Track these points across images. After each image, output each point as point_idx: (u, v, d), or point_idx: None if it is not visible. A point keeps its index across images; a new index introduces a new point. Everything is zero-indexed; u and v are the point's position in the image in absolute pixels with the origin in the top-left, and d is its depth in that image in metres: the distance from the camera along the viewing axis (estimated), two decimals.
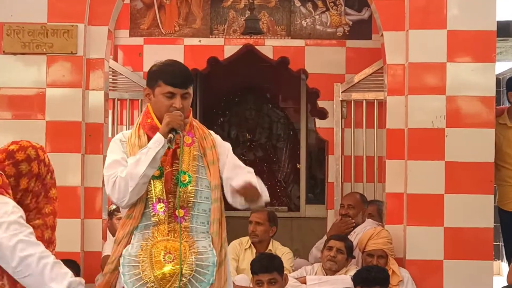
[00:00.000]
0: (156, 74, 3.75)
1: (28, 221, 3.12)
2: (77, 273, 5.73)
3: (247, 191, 3.52)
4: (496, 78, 6.24)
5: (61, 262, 3.00)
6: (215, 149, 3.75)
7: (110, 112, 7.11)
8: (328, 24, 7.94)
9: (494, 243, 6.20)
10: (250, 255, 6.00)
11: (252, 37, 7.76)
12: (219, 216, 3.68)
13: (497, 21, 5.97)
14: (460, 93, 5.91)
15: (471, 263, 5.85)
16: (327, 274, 5.78)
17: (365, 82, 7.48)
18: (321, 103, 7.78)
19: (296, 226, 8.81)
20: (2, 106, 5.99)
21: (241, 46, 7.95)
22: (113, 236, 6.38)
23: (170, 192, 3.61)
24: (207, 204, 3.65)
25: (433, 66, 5.92)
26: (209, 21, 7.96)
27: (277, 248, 6.17)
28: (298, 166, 9.32)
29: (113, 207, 6.78)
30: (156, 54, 7.85)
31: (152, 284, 3.51)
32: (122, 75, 7.72)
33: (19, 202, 3.12)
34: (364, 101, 7.53)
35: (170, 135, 3.57)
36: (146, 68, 7.79)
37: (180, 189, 3.59)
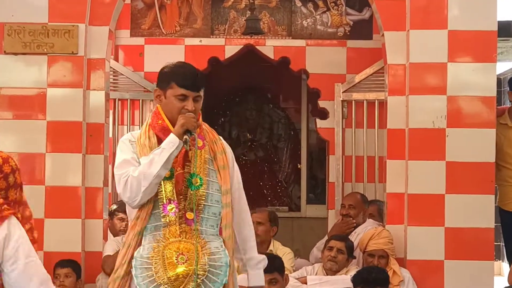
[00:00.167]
0: (168, 75, 3.71)
1: None
2: (78, 273, 5.73)
3: None
4: (497, 78, 6.23)
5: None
6: (225, 155, 3.76)
7: (111, 112, 7.12)
8: (329, 24, 7.94)
9: (495, 243, 6.19)
10: None
11: (252, 37, 7.76)
12: (231, 220, 3.71)
13: (498, 21, 5.97)
14: (461, 93, 5.91)
15: (472, 263, 5.85)
16: (327, 274, 5.78)
17: (366, 82, 7.49)
18: (322, 103, 7.78)
19: (297, 226, 8.81)
20: (3, 106, 5.99)
21: (242, 46, 7.95)
22: (114, 236, 6.39)
23: (180, 194, 3.60)
24: (217, 208, 3.66)
25: (434, 66, 5.92)
26: (210, 21, 7.96)
27: (277, 248, 6.17)
28: (299, 166, 9.32)
29: (114, 207, 6.78)
30: (157, 54, 7.86)
31: (166, 285, 3.49)
32: (123, 75, 7.72)
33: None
34: (365, 101, 7.53)
35: (186, 137, 3.57)
36: (147, 68, 7.83)
37: (191, 192, 3.59)
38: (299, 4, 7.95)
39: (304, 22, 7.95)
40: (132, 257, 3.57)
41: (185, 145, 3.58)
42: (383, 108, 6.49)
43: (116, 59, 7.81)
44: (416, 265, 5.88)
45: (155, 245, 3.54)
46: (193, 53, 7.89)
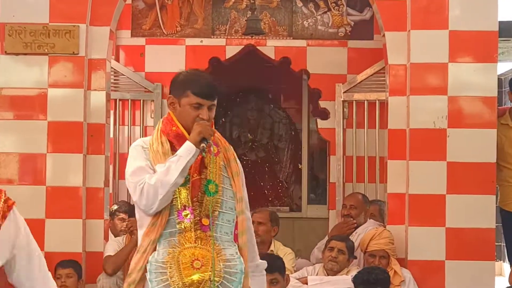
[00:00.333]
0: (183, 84, 3.67)
1: None
2: (79, 273, 5.73)
3: None
4: (498, 79, 6.23)
5: None
6: (237, 163, 3.76)
7: (112, 112, 7.12)
8: (329, 25, 7.94)
9: (496, 243, 6.19)
10: None
11: (253, 38, 7.76)
12: (246, 227, 3.71)
13: (499, 22, 5.97)
14: (461, 94, 5.91)
15: (473, 264, 5.85)
16: (328, 275, 5.78)
17: (367, 82, 7.49)
18: (322, 104, 7.78)
19: (298, 226, 8.81)
20: (4, 107, 6.00)
21: (242, 46, 7.96)
22: (115, 236, 6.40)
23: (195, 200, 3.59)
24: (231, 215, 3.65)
25: (435, 66, 5.92)
26: (210, 21, 7.96)
27: (278, 248, 6.17)
28: (299, 167, 9.32)
29: (115, 207, 6.78)
30: (157, 54, 7.87)
31: None
32: (124, 75, 7.73)
33: None
34: (365, 101, 7.53)
35: (203, 145, 3.55)
36: (148, 68, 7.83)
37: (208, 198, 3.58)
38: (300, 4, 7.95)
39: (305, 22, 7.95)
40: (147, 262, 3.55)
41: (203, 153, 3.57)
42: (384, 108, 6.49)
43: (117, 59, 7.81)
44: (417, 266, 5.88)
45: (170, 250, 3.52)
46: (194, 53, 7.89)
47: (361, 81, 7.51)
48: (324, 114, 7.79)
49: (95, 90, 6.07)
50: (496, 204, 6.07)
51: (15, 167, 5.96)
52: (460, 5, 5.91)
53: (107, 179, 6.17)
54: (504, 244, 6.78)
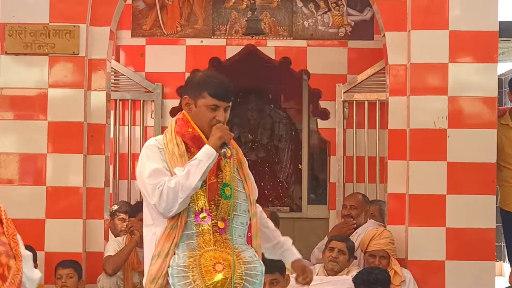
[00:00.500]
0: (200, 85, 3.67)
1: None
2: (79, 273, 5.73)
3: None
4: (498, 79, 6.23)
5: None
6: (245, 164, 3.77)
7: (112, 112, 7.12)
8: (330, 25, 7.94)
9: (496, 243, 6.19)
10: None
11: (254, 38, 7.76)
12: (259, 230, 3.74)
13: (499, 22, 5.97)
14: (462, 94, 5.92)
15: (473, 264, 5.85)
16: (328, 275, 5.78)
17: (367, 82, 7.49)
18: (323, 104, 7.78)
19: (298, 226, 8.81)
20: (4, 107, 6.00)
21: (243, 46, 7.96)
22: (115, 236, 6.40)
23: (212, 203, 3.58)
24: (245, 217, 3.65)
25: (435, 66, 5.93)
26: (211, 21, 7.96)
27: None
28: (300, 167, 9.32)
29: (115, 207, 6.79)
30: (158, 54, 7.87)
31: None
32: (124, 75, 7.73)
33: None
34: (366, 101, 7.53)
35: (224, 150, 3.55)
36: (148, 68, 7.84)
37: (224, 201, 3.58)
38: (300, 4, 7.95)
39: (305, 22, 7.95)
40: (168, 266, 3.53)
41: (224, 159, 3.57)
42: (384, 108, 6.49)
43: (117, 59, 7.81)
44: (417, 266, 5.88)
45: (190, 253, 3.50)
46: (194, 53, 7.90)
47: (361, 81, 7.51)
48: (324, 114, 7.79)
49: (95, 90, 6.07)
50: (496, 204, 6.07)
51: (15, 167, 5.96)
52: (460, 5, 5.91)
53: (107, 179, 6.17)
54: (504, 244, 6.77)
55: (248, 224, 3.66)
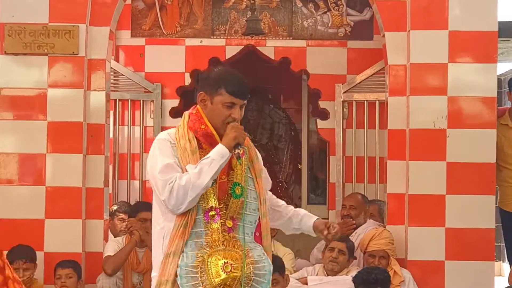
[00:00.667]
0: (217, 81, 3.63)
1: None
2: (79, 273, 5.73)
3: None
4: (498, 79, 6.23)
5: None
6: (258, 161, 3.76)
7: (111, 112, 7.12)
8: (329, 25, 7.94)
9: (496, 243, 6.19)
10: None
11: (253, 38, 7.76)
12: (269, 230, 3.73)
13: (499, 22, 5.98)
14: (461, 94, 5.92)
15: (473, 264, 5.85)
16: (328, 275, 5.78)
17: (367, 82, 7.49)
18: (322, 104, 7.78)
19: None
20: (3, 107, 6.00)
21: (242, 46, 7.96)
22: (114, 236, 6.40)
23: (222, 202, 3.58)
24: (254, 216, 3.64)
25: (435, 66, 5.93)
26: (210, 21, 7.96)
27: (278, 248, 6.17)
28: (299, 167, 9.31)
29: (115, 207, 6.79)
30: (157, 54, 7.87)
31: None
32: (124, 75, 7.73)
33: None
34: (365, 101, 7.53)
35: (238, 151, 3.55)
36: (148, 68, 7.83)
37: (234, 200, 3.57)
38: (299, 4, 7.95)
39: (304, 22, 7.95)
40: (177, 266, 3.52)
41: (238, 160, 3.56)
42: (383, 108, 6.49)
43: (117, 59, 7.81)
44: (417, 266, 5.88)
45: (198, 253, 3.50)
46: (193, 53, 7.90)
47: (361, 82, 7.51)
48: (324, 115, 7.79)
49: (94, 90, 6.07)
50: (496, 204, 6.07)
51: (14, 167, 5.96)
52: (460, 5, 5.91)
53: (106, 179, 6.17)
54: (504, 244, 6.78)
55: (256, 222, 3.65)
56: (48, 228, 5.92)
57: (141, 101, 7.80)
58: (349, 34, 7.91)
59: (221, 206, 3.55)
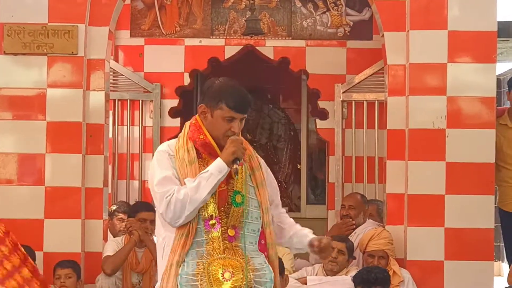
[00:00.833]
0: (218, 95, 3.60)
1: None
2: (78, 273, 5.73)
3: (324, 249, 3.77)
4: (497, 79, 6.24)
5: None
6: (262, 171, 3.74)
7: (110, 112, 7.12)
8: (328, 25, 7.93)
9: (495, 243, 6.19)
10: None
11: (252, 38, 7.76)
12: (275, 239, 3.75)
13: (498, 22, 5.98)
14: (460, 94, 5.92)
15: (472, 264, 5.85)
16: (327, 275, 5.78)
17: (366, 82, 7.48)
18: (321, 104, 7.78)
19: None
20: (2, 107, 5.99)
21: (241, 46, 7.95)
22: (114, 236, 6.39)
23: (222, 210, 3.57)
24: (256, 225, 3.63)
25: (434, 66, 5.93)
26: (209, 21, 7.96)
27: (277, 248, 6.14)
28: (298, 167, 9.32)
29: (114, 207, 6.78)
30: (156, 54, 7.87)
31: None
32: (123, 75, 7.72)
33: None
34: (364, 101, 7.53)
35: (236, 166, 3.53)
36: (147, 68, 7.83)
37: (234, 209, 3.56)
38: (299, 4, 7.95)
39: (304, 22, 7.95)
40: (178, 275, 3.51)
41: (235, 175, 3.55)
42: (383, 108, 6.49)
43: (116, 59, 7.81)
44: (416, 266, 5.88)
45: (199, 261, 3.50)
46: (193, 53, 7.89)
47: (360, 81, 7.50)
48: (323, 114, 7.79)
49: (94, 90, 6.07)
50: (495, 204, 6.07)
51: (14, 167, 5.96)
52: (459, 5, 5.91)
53: (106, 179, 6.17)
54: (503, 244, 6.78)
55: (260, 230, 3.64)
56: (47, 228, 5.92)
57: (140, 101, 7.79)
58: (348, 34, 7.91)
59: (221, 215, 3.55)
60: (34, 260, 5.67)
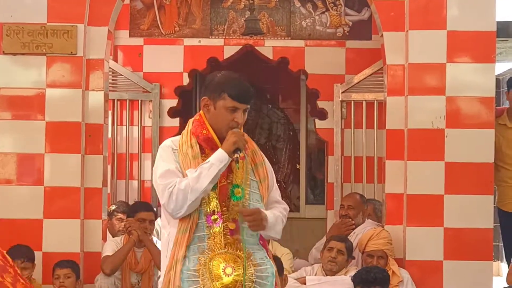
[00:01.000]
0: (221, 86, 3.64)
1: None
2: (77, 273, 5.73)
3: (250, 216, 3.55)
4: (496, 79, 6.24)
5: None
6: (265, 166, 3.75)
7: (110, 112, 7.11)
8: (328, 25, 7.93)
9: (494, 243, 6.19)
10: None
11: (252, 38, 7.76)
12: None
13: (497, 22, 5.98)
14: (460, 94, 5.92)
15: (471, 264, 5.85)
16: (327, 275, 5.78)
17: (365, 82, 7.48)
18: (321, 104, 7.78)
19: (296, 226, 8.80)
20: (2, 107, 5.99)
21: (241, 46, 7.95)
22: (113, 236, 6.39)
23: (224, 205, 3.58)
24: None
25: (433, 66, 5.93)
26: (209, 21, 7.96)
27: (276, 248, 6.17)
28: (298, 167, 9.32)
29: (113, 207, 6.78)
30: (156, 54, 7.86)
31: None
32: (122, 75, 7.72)
33: None
34: (364, 101, 7.53)
35: (237, 155, 3.55)
36: (146, 68, 7.83)
37: (233, 202, 3.58)
38: (298, 4, 7.95)
39: (303, 22, 7.95)
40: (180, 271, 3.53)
41: (236, 164, 3.57)
42: (382, 108, 6.50)
43: (115, 59, 7.80)
44: (415, 266, 5.88)
45: (200, 256, 3.52)
46: (192, 53, 7.89)
47: (359, 81, 7.50)
48: (322, 114, 7.79)
49: (93, 90, 6.07)
50: (494, 204, 6.07)
51: (13, 167, 5.96)
52: (458, 5, 5.91)
53: (105, 179, 6.17)
54: (502, 244, 6.78)
55: None
56: (46, 228, 5.92)
57: (139, 101, 7.79)
58: (347, 34, 7.91)
59: (223, 210, 3.56)
60: (33, 260, 5.68)
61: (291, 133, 9.63)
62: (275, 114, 9.71)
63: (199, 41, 7.92)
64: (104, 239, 6.17)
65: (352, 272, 5.57)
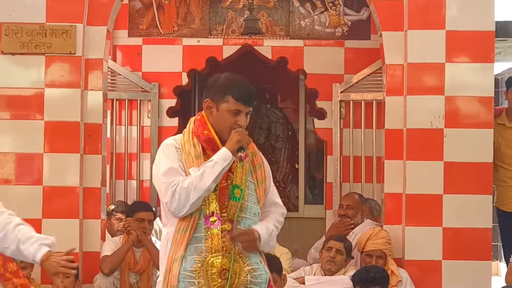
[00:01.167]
0: (224, 88, 3.64)
1: None
2: (76, 273, 5.72)
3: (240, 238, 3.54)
4: (495, 79, 6.24)
5: None
6: (264, 168, 3.74)
7: (108, 112, 7.12)
8: (326, 24, 7.93)
9: (493, 243, 6.20)
10: None
11: (251, 37, 7.76)
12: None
13: (496, 22, 5.98)
14: (458, 94, 5.92)
15: (470, 264, 5.86)
16: (326, 275, 5.78)
17: (364, 82, 7.48)
18: (319, 104, 7.78)
19: (295, 226, 8.81)
20: (0, 107, 5.99)
21: (239, 46, 7.95)
22: (112, 236, 6.39)
23: (223, 207, 3.58)
24: (254, 221, 3.63)
25: (432, 66, 5.93)
26: (207, 21, 7.96)
27: (275, 248, 6.16)
28: (296, 167, 9.31)
29: (112, 207, 6.78)
30: (154, 54, 7.86)
31: None
32: (121, 75, 7.72)
33: None
34: (362, 101, 7.53)
35: (241, 154, 3.55)
36: (145, 68, 7.83)
37: (232, 203, 3.57)
38: (297, 4, 7.95)
39: (302, 22, 7.95)
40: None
41: (240, 163, 3.57)
42: (381, 108, 6.50)
43: (114, 59, 7.80)
44: (414, 265, 5.88)
45: (197, 257, 3.52)
46: (191, 53, 7.89)
47: (358, 81, 7.50)
48: (321, 114, 7.79)
49: (92, 90, 6.07)
50: (493, 204, 6.07)
51: (12, 167, 5.96)
52: (457, 5, 5.92)
53: (104, 179, 6.17)
54: (501, 244, 6.79)
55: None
56: (45, 227, 5.90)
57: (138, 101, 7.79)
58: (346, 33, 7.92)
59: (222, 211, 3.56)
60: None
61: (290, 133, 9.63)
62: (274, 113, 9.71)
63: (198, 41, 7.92)
64: (103, 239, 6.17)
65: (351, 272, 5.58)
